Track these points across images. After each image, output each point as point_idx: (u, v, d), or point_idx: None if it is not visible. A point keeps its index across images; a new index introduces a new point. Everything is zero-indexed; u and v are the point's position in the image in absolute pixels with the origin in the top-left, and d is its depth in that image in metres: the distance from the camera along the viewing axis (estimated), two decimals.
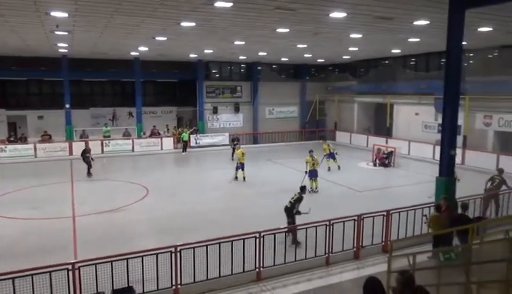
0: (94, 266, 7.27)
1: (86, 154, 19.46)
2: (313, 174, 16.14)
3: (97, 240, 10.88)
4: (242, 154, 18.24)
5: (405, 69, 26.74)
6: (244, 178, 17.92)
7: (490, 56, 21.91)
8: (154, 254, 7.72)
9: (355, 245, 9.74)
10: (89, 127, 27.50)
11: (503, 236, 7.78)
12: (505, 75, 20.09)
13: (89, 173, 19.10)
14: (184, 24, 13.93)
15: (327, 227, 9.35)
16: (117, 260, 7.47)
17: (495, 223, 10.91)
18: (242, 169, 18.10)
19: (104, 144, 25.42)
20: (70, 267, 7.12)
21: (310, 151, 16.71)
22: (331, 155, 20.06)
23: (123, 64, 27.89)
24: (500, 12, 11.97)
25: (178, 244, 8.03)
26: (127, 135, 27.42)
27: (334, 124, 32.40)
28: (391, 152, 22.03)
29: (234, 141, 23.94)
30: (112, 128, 27.85)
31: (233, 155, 22.89)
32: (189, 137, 27.05)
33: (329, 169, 19.77)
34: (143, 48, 21.09)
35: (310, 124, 33.03)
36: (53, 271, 6.97)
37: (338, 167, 20.20)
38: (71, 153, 24.18)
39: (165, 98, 31.62)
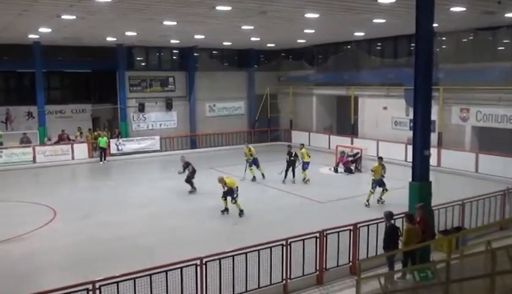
0: None
1: None
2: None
3: None
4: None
5: (371, 55, 27.78)
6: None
7: (465, 40, 23.33)
8: None
9: (317, 267, 9.94)
10: None
11: (484, 247, 8.29)
12: (481, 61, 21.46)
13: None
14: None
15: (284, 248, 9.47)
16: None
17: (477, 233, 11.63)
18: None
19: None
20: None
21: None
22: (254, 162, 20.55)
23: (18, 50, 26.60)
24: None
25: (97, 279, 7.80)
26: (26, 141, 26.26)
27: (289, 121, 32.94)
28: (357, 153, 22.71)
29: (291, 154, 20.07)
30: (6, 133, 26.57)
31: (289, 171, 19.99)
32: (108, 143, 26.37)
33: (253, 178, 20.29)
34: (45, 30, 20.27)
35: (260, 122, 33.35)
36: None
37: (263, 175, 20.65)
38: None
39: (76, 94, 30.64)
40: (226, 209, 15.28)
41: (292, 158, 19.77)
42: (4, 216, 15.60)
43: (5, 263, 11.48)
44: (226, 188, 15.13)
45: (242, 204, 15.14)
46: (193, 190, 18.45)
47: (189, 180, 18.35)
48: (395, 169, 21.68)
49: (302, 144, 21.20)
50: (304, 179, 19.80)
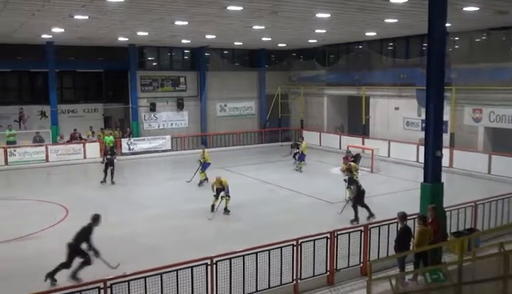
0: None
1: None
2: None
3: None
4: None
5: (382, 55, 27.62)
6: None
7: (478, 40, 23.12)
8: (76, 291, 7.52)
9: (328, 268, 9.92)
10: None
11: (497, 249, 8.21)
12: (494, 61, 21.25)
13: None
14: None
15: (295, 248, 9.46)
16: None
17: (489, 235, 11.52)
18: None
19: (8, 153, 24.38)
20: None
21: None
22: (205, 166, 19.60)
23: (32, 50, 26.88)
24: None
25: (108, 277, 7.86)
26: (38, 140, 26.46)
27: (300, 122, 32.89)
28: (358, 154, 22.47)
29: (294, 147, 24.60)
30: (19, 132, 26.78)
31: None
32: (120, 142, 26.49)
33: (200, 183, 19.17)
34: (57, 30, 20.44)
35: (271, 122, 33.35)
36: None
37: (201, 182, 19.36)
38: None
39: (88, 93, 30.83)
40: (212, 206, 15.36)
41: (298, 148, 23.99)
42: (17, 214, 15.75)
43: (17, 260, 11.56)
44: (215, 188, 15.35)
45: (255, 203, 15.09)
46: (104, 181, 19.65)
47: (105, 167, 19.77)
48: (407, 170, 21.64)
49: (302, 138, 26.05)
50: (298, 167, 22.84)
